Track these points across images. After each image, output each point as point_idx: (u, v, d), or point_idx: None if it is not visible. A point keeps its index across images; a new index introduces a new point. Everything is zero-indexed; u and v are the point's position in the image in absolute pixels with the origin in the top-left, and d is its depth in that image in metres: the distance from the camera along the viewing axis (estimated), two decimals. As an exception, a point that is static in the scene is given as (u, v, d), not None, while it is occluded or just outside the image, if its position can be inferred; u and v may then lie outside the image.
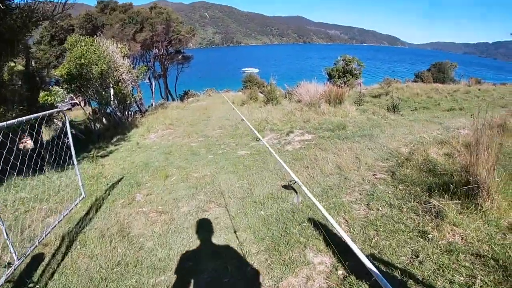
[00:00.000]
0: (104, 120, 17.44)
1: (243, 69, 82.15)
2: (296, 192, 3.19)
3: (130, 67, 16.29)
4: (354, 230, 3.45)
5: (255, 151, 7.47)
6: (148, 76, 22.92)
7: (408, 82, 34.24)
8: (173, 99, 31.39)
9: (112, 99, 16.27)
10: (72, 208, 4.27)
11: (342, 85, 21.13)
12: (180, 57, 31.69)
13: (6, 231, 2.97)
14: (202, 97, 26.91)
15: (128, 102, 17.40)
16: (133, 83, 17.30)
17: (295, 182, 2.58)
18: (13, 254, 3.08)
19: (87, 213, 4.95)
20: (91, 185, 6.42)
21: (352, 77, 31.62)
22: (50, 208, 5.17)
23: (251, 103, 17.26)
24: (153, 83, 28.77)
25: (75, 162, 4.30)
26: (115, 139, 13.13)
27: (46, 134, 22.33)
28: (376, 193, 4.16)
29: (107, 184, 6.42)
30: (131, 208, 5.05)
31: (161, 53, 28.81)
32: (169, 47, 29.76)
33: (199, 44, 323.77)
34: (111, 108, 16.61)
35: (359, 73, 33.13)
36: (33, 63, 13.34)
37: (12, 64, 9.40)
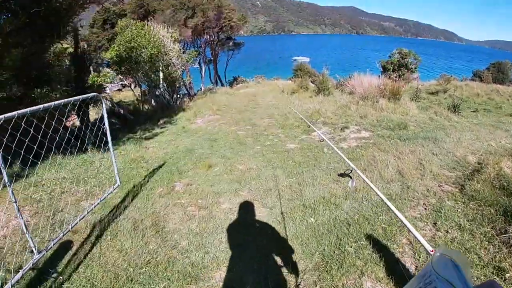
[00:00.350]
0: (153, 102, 17.48)
1: (294, 58, 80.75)
2: (351, 178, 2.93)
3: (180, 52, 16.07)
4: (419, 257, 2.85)
5: (306, 145, 6.82)
6: (198, 61, 22.80)
7: (466, 80, 31.73)
8: (222, 85, 31.25)
9: (161, 82, 16.21)
10: (107, 196, 3.87)
11: (397, 79, 20.17)
12: (231, 43, 31.39)
13: (25, 225, 2.59)
14: (251, 83, 26.42)
15: (177, 85, 17.29)
16: (182, 68, 17.12)
17: (352, 170, 2.33)
18: (33, 249, 2.70)
19: (123, 200, 4.55)
20: (131, 169, 6.08)
21: (408, 71, 30.01)
22: (86, 191, 4.84)
23: (302, 92, 16.52)
24: (203, 68, 28.70)
25: (111, 149, 3.87)
26: (161, 122, 12.97)
27: (94, 113, 23.07)
28: (444, 210, 3.55)
29: (148, 170, 6.04)
30: (169, 199, 4.59)
31: (212, 39, 28.61)
32: (220, 33, 29.49)
33: (250, 31, 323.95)
34: (159, 91, 16.57)
35: (415, 68, 31.26)
36: (83, 45, 13.48)
37: (61, 46, 9.29)
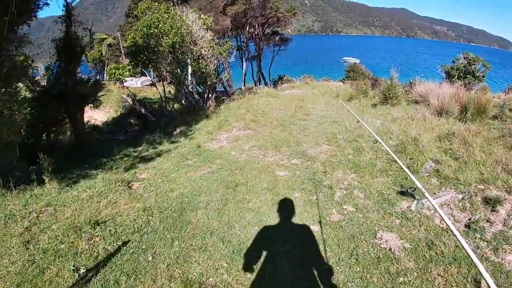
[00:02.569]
0: (183, 101, 14.35)
1: (344, 58, 76.54)
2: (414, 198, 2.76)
3: (213, 41, 12.75)
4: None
5: (418, 238, 3.31)
6: (234, 54, 19.29)
7: None
8: (266, 83, 27.86)
9: (189, 78, 13.05)
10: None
11: (463, 87, 17.22)
12: (277, 38, 27.76)
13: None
14: (298, 83, 22.69)
15: (209, 83, 14.04)
16: (215, 61, 13.83)
17: (415, 189, 2.28)
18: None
19: None
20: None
21: (475, 80, 25.85)
22: None
23: (361, 99, 12.76)
24: (244, 64, 25.23)
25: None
26: (177, 131, 9.86)
27: (104, 112, 20.44)
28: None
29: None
30: None
31: (256, 32, 25.14)
32: (265, 26, 25.96)
33: (297, 30, 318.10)
34: (186, 89, 13.43)
35: (483, 76, 26.85)
36: (75, 30, 10.74)
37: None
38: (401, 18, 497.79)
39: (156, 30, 11.07)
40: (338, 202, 4.04)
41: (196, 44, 12.36)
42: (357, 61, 53.67)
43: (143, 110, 16.12)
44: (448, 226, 1.56)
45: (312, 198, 4.22)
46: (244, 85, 24.33)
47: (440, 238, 3.17)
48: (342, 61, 69.88)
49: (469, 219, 3.48)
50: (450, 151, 4.97)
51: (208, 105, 13.56)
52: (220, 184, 4.84)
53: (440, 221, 3.42)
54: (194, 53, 12.35)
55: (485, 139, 5.41)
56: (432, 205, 1.80)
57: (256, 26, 24.36)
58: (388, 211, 3.73)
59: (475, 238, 3.15)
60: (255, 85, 26.68)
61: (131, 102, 16.95)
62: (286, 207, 4.02)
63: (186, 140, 8.27)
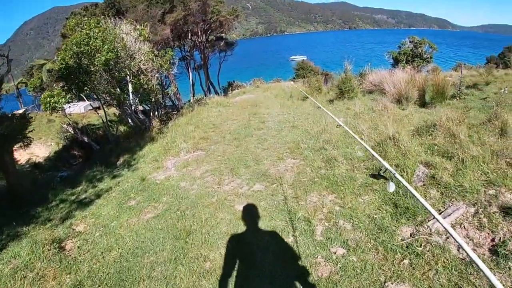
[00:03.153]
0: (130, 121, 12.90)
1: (291, 57, 77.15)
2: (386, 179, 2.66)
3: (151, 53, 11.49)
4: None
5: (437, 278, 2.49)
6: (176, 65, 18.09)
7: (491, 67, 28.92)
8: (216, 92, 26.80)
9: (130, 97, 11.71)
10: None
11: (412, 70, 17.68)
12: (222, 43, 26.81)
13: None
14: (249, 88, 21.77)
15: (153, 99, 12.76)
16: (157, 75, 12.60)
17: (386, 169, 1.84)
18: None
19: None
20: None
21: (423, 62, 26.65)
22: None
23: (316, 96, 12.09)
24: (191, 74, 23.95)
25: None
26: (121, 160, 8.64)
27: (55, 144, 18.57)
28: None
29: None
30: None
31: (200, 40, 24.02)
32: (209, 32, 24.90)
33: (242, 35, 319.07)
34: (129, 109, 12.04)
35: (430, 57, 27.86)
36: None
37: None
38: (342, 12, 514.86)
39: (87, 48, 9.74)
40: (322, 243, 3.07)
41: (134, 58, 11.10)
42: (304, 58, 54.12)
43: (85, 138, 14.54)
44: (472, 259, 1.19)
45: (288, 240, 3.23)
46: (193, 97, 23.16)
47: (468, 279, 2.30)
48: (290, 60, 70.31)
49: (492, 239, 2.67)
50: (437, 147, 4.19)
51: (153, 125, 12.29)
52: (167, 234, 3.78)
53: (458, 249, 2.58)
54: (132, 69, 11.08)
55: (467, 127, 4.72)
56: (445, 228, 1.37)
57: (199, 33, 23.33)
58: (389, 245, 2.83)
59: (509, 268, 2.31)
60: (205, 95, 25.57)
61: (72, 132, 15.27)
62: (254, 263, 3.00)
63: (129, 172, 7.08)
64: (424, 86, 8.07)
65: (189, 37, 23.02)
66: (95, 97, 13.79)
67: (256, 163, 5.48)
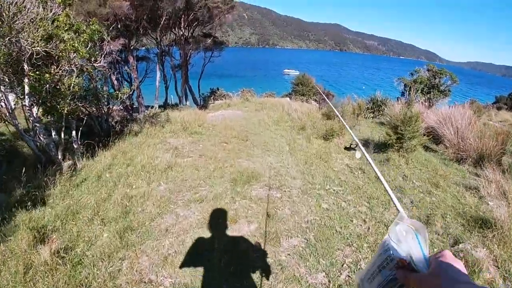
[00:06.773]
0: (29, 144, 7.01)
1: (285, 70, 72.73)
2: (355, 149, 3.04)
3: (46, 20, 5.86)
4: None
5: None
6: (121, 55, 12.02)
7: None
8: (195, 100, 21.20)
9: (27, 102, 5.98)
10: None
11: (427, 103, 16.50)
12: (209, 41, 21.25)
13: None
14: (236, 100, 16.11)
15: (66, 109, 6.92)
16: (82, 64, 6.88)
17: (357, 144, 2.01)
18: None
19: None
20: None
21: (441, 94, 22.31)
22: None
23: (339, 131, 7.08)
24: (158, 75, 17.88)
25: None
26: None
27: None
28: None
29: None
30: None
31: (182, 32, 18.46)
32: (194, 25, 19.35)
33: (235, 43, 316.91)
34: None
35: (449, 90, 23.34)
36: None
37: None
38: (335, 33, 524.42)
39: None
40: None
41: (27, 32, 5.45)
42: (297, 73, 50.06)
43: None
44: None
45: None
46: (157, 105, 17.49)
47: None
48: (284, 73, 66.04)
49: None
50: None
51: (66, 157, 6.61)
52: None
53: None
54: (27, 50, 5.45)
55: None
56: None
57: (182, 24, 17.89)
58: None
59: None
60: (180, 102, 19.87)
61: None
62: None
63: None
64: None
65: (169, 27, 17.57)
66: None
67: None
